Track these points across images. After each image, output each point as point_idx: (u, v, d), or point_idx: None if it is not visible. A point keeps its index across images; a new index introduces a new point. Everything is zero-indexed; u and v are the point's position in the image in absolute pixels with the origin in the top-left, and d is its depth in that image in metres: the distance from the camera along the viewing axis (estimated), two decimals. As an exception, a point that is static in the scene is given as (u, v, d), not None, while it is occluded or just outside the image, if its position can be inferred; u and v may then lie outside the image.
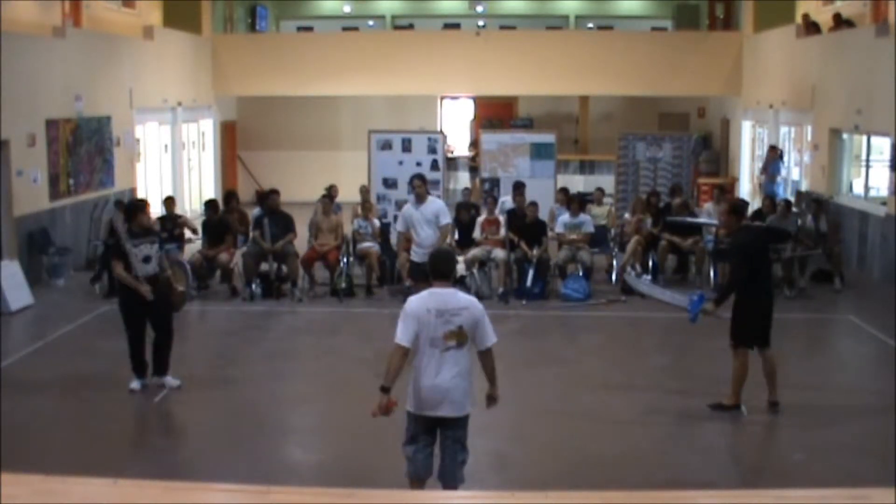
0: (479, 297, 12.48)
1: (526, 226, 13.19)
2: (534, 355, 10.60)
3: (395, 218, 15.07)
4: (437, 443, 6.00)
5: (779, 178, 18.51)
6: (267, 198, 13.25)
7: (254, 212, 13.68)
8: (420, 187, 10.58)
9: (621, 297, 12.89)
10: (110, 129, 16.15)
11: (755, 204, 17.64)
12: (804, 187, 18.03)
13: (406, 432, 6.01)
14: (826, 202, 14.68)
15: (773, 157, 18.67)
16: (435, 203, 10.64)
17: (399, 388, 5.86)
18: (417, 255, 10.48)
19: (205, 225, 13.64)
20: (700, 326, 11.54)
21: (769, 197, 15.34)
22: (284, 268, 12.91)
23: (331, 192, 14.28)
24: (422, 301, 5.91)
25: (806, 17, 18.00)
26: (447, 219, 10.71)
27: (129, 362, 8.97)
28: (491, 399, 6.12)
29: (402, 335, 5.80)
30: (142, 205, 9.22)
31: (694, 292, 9.00)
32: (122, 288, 8.91)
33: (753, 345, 8.26)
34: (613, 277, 13.73)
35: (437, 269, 6.02)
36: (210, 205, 14.00)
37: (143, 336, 9.00)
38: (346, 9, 27.83)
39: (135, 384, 8.98)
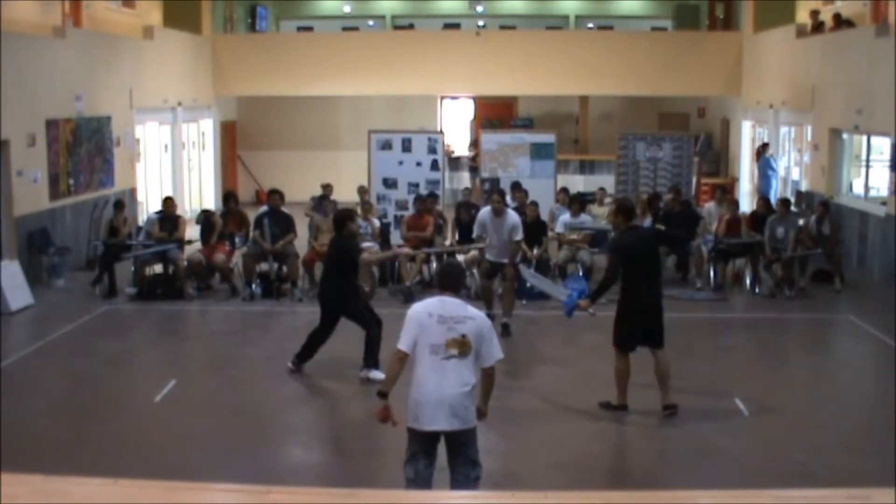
0: (479, 296, 12.52)
1: (526, 226, 13.17)
2: (534, 355, 10.61)
3: (395, 218, 15.13)
4: (436, 462, 5.75)
5: (770, 172, 18.45)
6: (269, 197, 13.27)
7: (260, 209, 13.69)
8: (499, 202, 10.99)
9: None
10: (110, 129, 16.15)
11: (753, 205, 17.65)
12: (804, 187, 18.04)
13: (406, 451, 5.76)
14: (830, 206, 14.65)
15: (762, 154, 18.69)
16: (512, 218, 11.01)
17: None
18: (491, 255, 11.04)
19: (224, 216, 13.73)
20: (702, 327, 11.62)
21: (763, 197, 15.33)
22: (285, 268, 12.91)
23: (326, 192, 14.31)
24: (425, 306, 5.76)
25: (815, 13, 17.87)
26: (520, 235, 11.07)
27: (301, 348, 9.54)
28: (480, 413, 5.87)
29: (402, 340, 5.69)
30: (350, 213, 9.71)
31: (577, 283, 9.19)
32: (325, 294, 9.47)
33: (633, 346, 8.31)
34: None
35: (447, 282, 5.90)
36: (229, 196, 14.24)
37: (328, 335, 9.46)
38: (346, 9, 27.83)
39: (292, 366, 9.54)
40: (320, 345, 9.52)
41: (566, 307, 8.59)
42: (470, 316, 5.70)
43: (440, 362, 5.61)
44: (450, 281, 5.92)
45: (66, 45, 14.88)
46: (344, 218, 9.43)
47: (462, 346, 5.61)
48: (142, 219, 16.45)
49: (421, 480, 5.66)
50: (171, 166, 19.79)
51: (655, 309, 8.31)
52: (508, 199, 14.34)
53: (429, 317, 5.67)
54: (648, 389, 8.49)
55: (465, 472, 5.71)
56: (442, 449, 5.82)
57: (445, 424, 5.61)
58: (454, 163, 22.77)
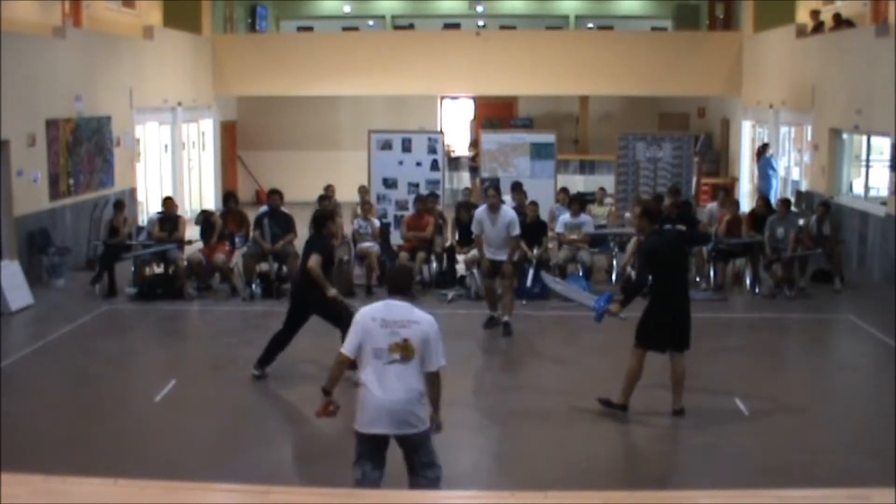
0: (479, 296, 12.52)
1: (526, 226, 13.17)
2: (534, 355, 10.61)
3: (395, 218, 15.12)
4: (385, 464, 5.75)
5: (770, 172, 18.41)
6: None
7: (260, 209, 13.68)
8: (494, 197, 11.01)
9: (621, 297, 12.86)
10: (110, 129, 16.15)
11: (753, 204, 17.65)
12: (804, 187, 18.04)
13: (354, 452, 5.77)
14: (830, 206, 14.65)
15: (762, 154, 18.67)
16: (507, 214, 10.98)
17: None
18: (489, 252, 10.99)
19: (224, 216, 13.73)
20: (702, 327, 11.59)
21: (763, 197, 15.31)
22: (284, 268, 12.91)
23: (328, 192, 14.30)
24: (370, 311, 5.75)
25: (815, 13, 17.87)
26: (517, 230, 10.99)
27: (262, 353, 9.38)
28: (434, 423, 5.82)
29: (346, 344, 5.71)
30: (330, 214, 9.84)
31: (576, 282, 9.24)
32: (302, 288, 9.36)
33: (661, 349, 8.27)
34: (613, 277, 13.72)
35: (395, 285, 5.93)
36: (229, 196, 14.24)
37: (292, 336, 9.38)
38: (346, 9, 27.84)
39: (257, 372, 9.34)
40: (283, 347, 9.40)
41: (596, 312, 8.50)
42: (415, 320, 5.65)
43: (383, 367, 5.59)
44: (397, 284, 5.93)
45: (66, 45, 14.88)
46: (324, 218, 9.46)
47: (404, 351, 5.57)
48: (142, 219, 16.46)
49: (368, 482, 5.65)
50: (171, 166, 19.79)
51: (683, 312, 8.27)
52: (508, 199, 14.38)
53: (372, 321, 5.66)
54: (649, 390, 8.49)
55: (423, 474, 5.72)
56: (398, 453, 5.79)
57: (389, 429, 5.61)
58: (454, 163, 22.76)
